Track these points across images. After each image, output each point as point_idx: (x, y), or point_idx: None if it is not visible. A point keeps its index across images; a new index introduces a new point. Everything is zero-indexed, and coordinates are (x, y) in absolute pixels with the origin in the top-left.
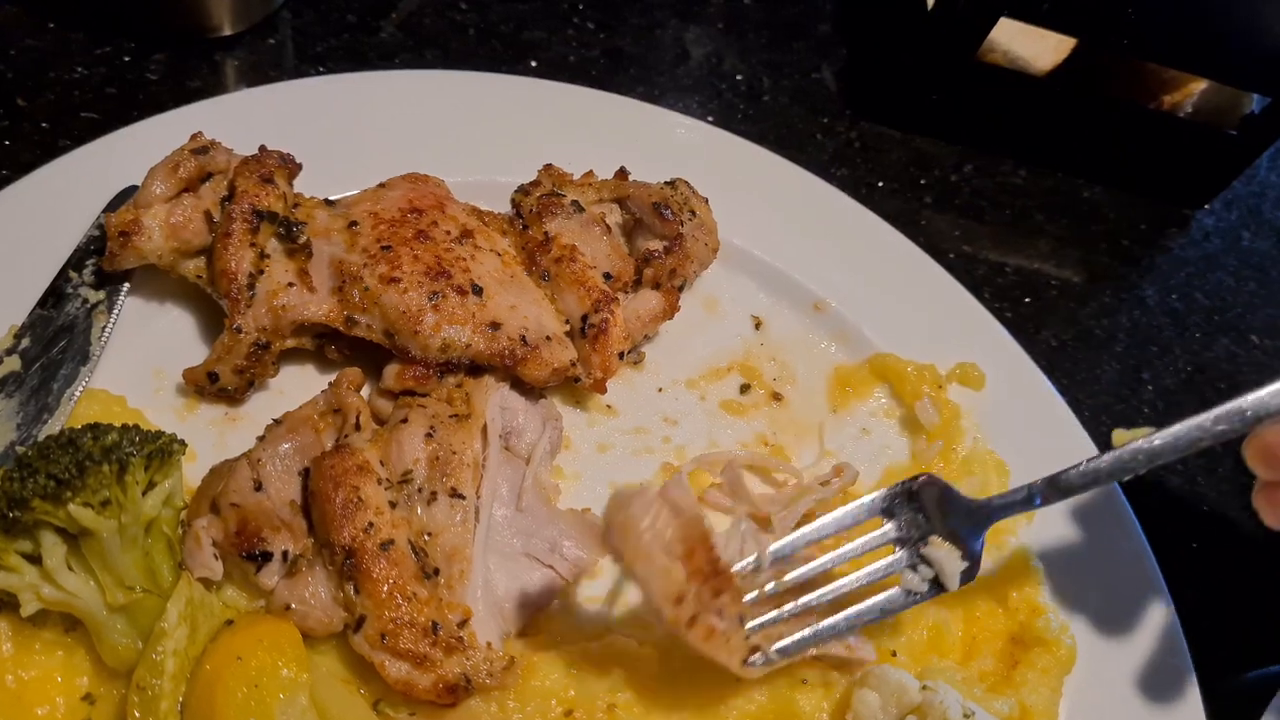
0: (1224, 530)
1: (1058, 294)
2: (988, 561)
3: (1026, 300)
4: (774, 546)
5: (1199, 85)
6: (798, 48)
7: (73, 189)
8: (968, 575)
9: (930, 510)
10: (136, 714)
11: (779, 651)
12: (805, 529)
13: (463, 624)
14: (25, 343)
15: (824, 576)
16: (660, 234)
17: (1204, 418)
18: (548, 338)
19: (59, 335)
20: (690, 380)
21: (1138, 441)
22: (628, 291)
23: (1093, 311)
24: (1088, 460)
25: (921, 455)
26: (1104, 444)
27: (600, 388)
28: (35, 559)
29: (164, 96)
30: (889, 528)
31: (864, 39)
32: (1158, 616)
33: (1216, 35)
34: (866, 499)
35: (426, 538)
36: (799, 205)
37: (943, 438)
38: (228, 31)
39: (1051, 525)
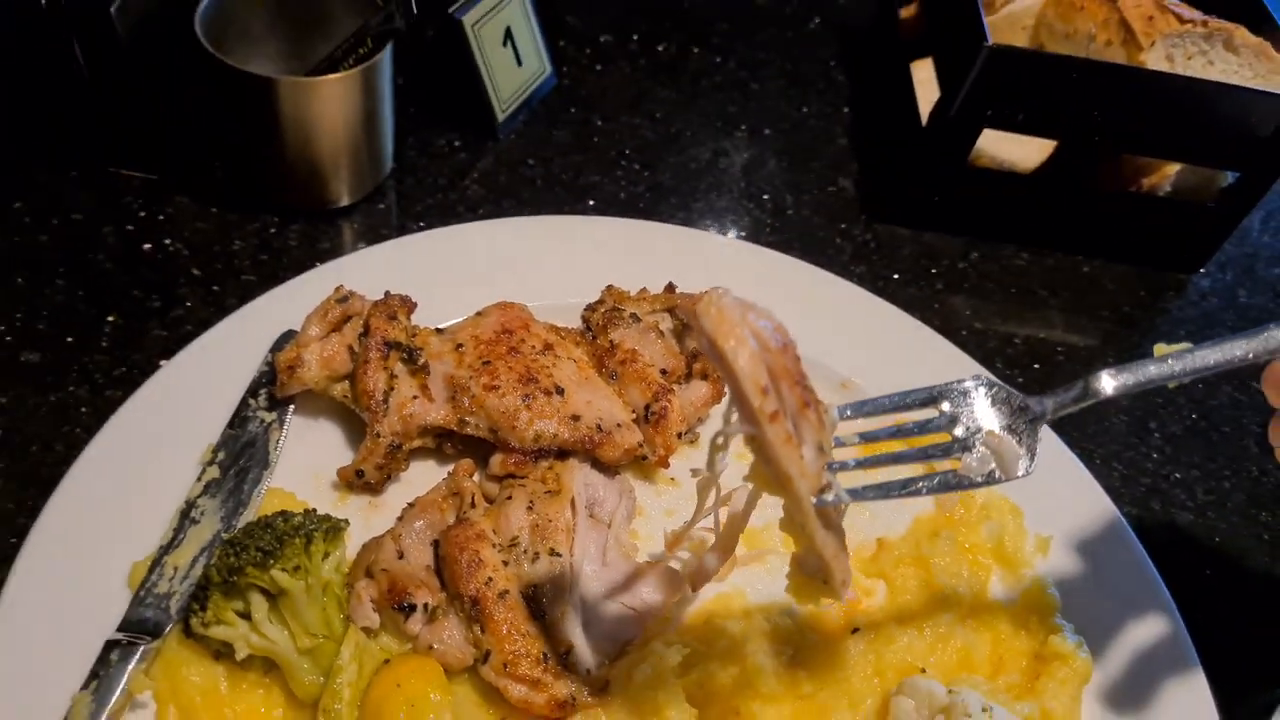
0: (1236, 563)
1: (1064, 358)
2: (1009, 591)
3: (1035, 366)
4: (838, 406)
5: (1173, 167)
6: (815, 166)
7: (244, 336)
8: (1026, 470)
9: (984, 407)
10: None
11: (851, 494)
12: (865, 401)
13: (566, 654)
14: (220, 455)
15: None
16: None
17: (1238, 338)
18: (619, 425)
19: (245, 448)
20: (738, 453)
21: (1178, 349)
22: (681, 383)
23: (1097, 370)
24: (1135, 363)
25: (944, 504)
26: (1113, 490)
27: (664, 463)
28: (245, 615)
29: (302, 257)
30: (945, 417)
31: (872, 154)
32: (1168, 632)
33: (1180, 124)
34: (922, 388)
35: (533, 589)
36: (823, 300)
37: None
38: (346, 202)
39: (1065, 560)
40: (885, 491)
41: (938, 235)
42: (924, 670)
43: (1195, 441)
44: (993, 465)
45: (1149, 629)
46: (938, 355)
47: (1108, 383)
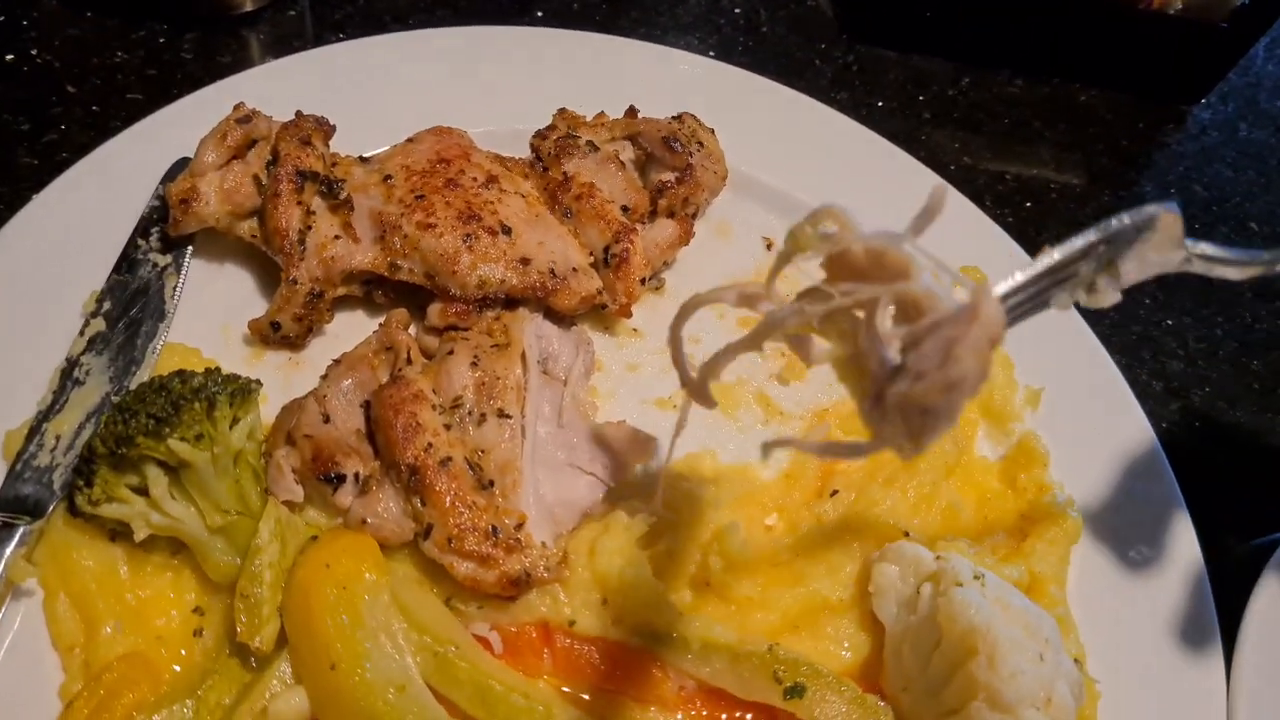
0: (1226, 412)
1: (1057, 197)
2: (996, 447)
3: (1027, 205)
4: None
5: None
6: None
7: (130, 164)
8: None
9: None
10: (243, 618)
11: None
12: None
13: (519, 527)
14: (106, 305)
15: None
16: (671, 166)
17: None
18: (574, 269)
19: (136, 297)
20: None
21: None
22: (645, 222)
23: (1092, 211)
24: None
25: None
26: (1102, 338)
27: (626, 312)
28: (142, 491)
29: (199, 73)
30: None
31: None
32: (1160, 489)
33: None
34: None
35: (480, 454)
36: (801, 129)
37: None
38: (250, 7)
39: (1058, 410)
40: None
41: (926, 59)
42: (907, 534)
43: (1187, 288)
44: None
45: (1139, 481)
46: (925, 192)
47: None
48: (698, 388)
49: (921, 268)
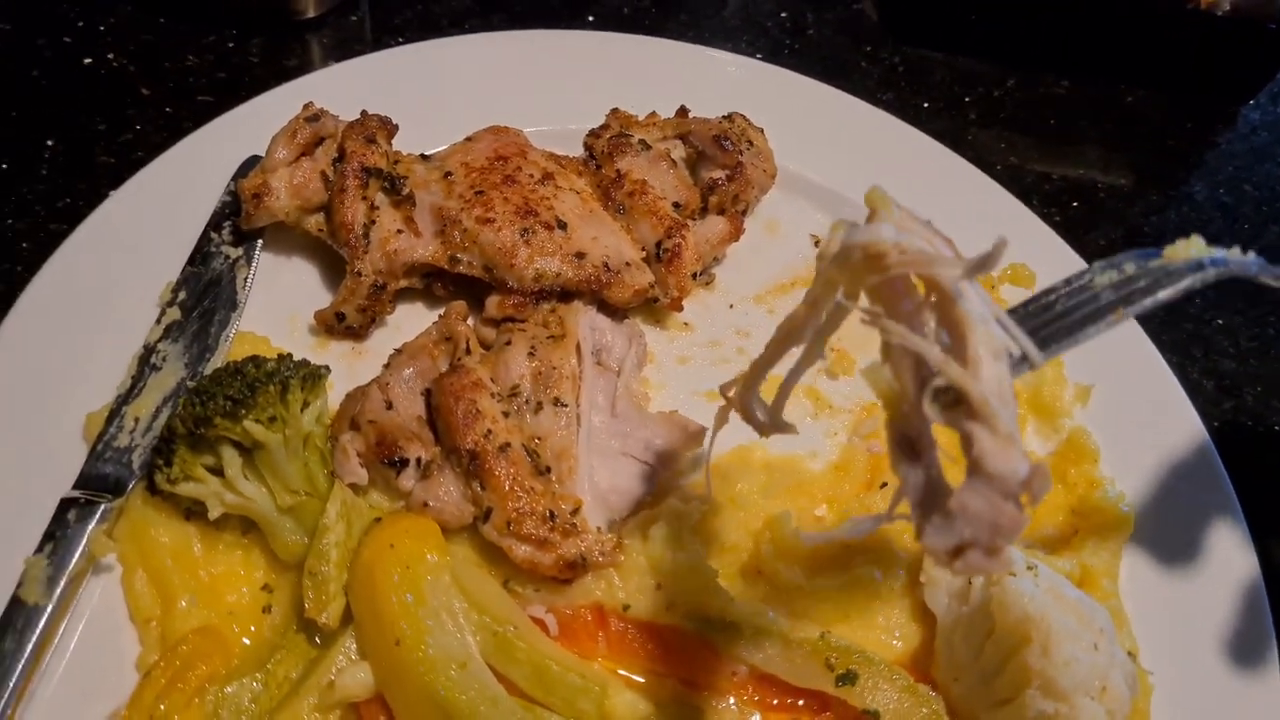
0: (1279, 408)
1: (1105, 197)
2: (1045, 443)
3: (1075, 205)
4: None
5: None
6: None
7: (203, 162)
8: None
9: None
10: (310, 595)
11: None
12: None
13: (575, 512)
14: (182, 295)
15: None
16: (721, 164)
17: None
18: (627, 263)
19: (209, 288)
20: (758, 296)
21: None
22: (695, 219)
23: (1141, 210)
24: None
25: None
26: (1153, 336)
27: (677, 306)
28: (217, 471)
29: (266, 76)
30: None
31: None
32: (1212, 488)
33: None
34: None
35: (537, 441)
36: (848, 129)
37: None
38: (313, 13)
39: (1108, 407)
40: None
41: (972, 60)
42: None
43: (1239, 286)
44: None
45: (1191, 480)
46: (973, 190)
47: None
48: (772, 428)
49: (978, 320)
